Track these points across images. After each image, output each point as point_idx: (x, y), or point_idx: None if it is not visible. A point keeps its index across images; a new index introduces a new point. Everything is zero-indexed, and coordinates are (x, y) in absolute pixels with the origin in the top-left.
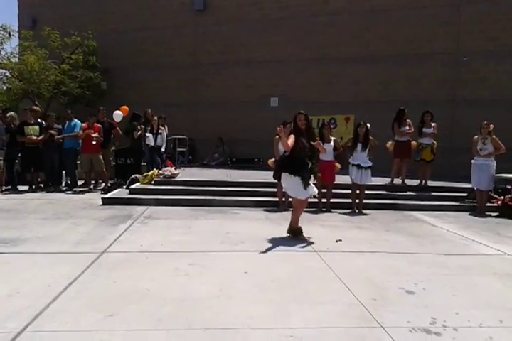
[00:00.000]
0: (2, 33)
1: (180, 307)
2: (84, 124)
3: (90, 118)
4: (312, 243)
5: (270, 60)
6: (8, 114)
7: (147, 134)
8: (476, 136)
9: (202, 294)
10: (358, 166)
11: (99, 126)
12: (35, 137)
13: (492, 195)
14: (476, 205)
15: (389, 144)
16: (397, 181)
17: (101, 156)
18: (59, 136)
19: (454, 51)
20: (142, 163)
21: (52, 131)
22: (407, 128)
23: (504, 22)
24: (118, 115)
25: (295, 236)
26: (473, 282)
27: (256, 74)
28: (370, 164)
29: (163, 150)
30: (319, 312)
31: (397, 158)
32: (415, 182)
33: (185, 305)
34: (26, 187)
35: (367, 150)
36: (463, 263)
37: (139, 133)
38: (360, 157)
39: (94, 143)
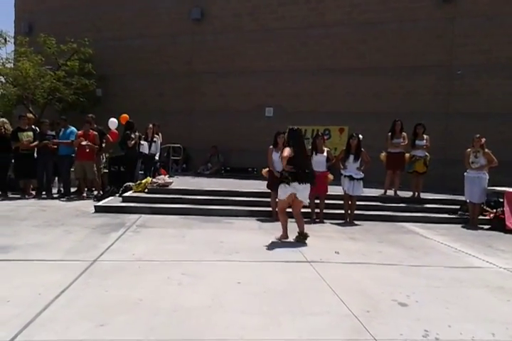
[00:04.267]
0: None
1: (172, 317)
2: (80, 132)
3: (84, 126)
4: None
5: (265, 70)
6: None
7: (142, 142)
8: (469, 149)
9: (194, 304)
10: (350, 177)
11: (95, 133)
12: (27, 141)
13: (484, 207)
14: (468, 218)
15: (382, 155)
16: (390, 193)
17: (94, 164)
18: (54, 141)
19: (448, 64)
20: (140, 172)
21: (47, 142)
22: (401, 140)
23: (497, 36)
24: (113, 122)
25: (305, 240)
26: (466, 295)
27: (251, 84)
28: (361, 175)
29: (157, 158)
30: (312, 323)
31: (389, 169)
32: (408, 194)
33: (177, 315)
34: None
35: (359, 161)
36: (455, 276)
37: (132, 142)
38: (352, 168)
39: (87, 150)
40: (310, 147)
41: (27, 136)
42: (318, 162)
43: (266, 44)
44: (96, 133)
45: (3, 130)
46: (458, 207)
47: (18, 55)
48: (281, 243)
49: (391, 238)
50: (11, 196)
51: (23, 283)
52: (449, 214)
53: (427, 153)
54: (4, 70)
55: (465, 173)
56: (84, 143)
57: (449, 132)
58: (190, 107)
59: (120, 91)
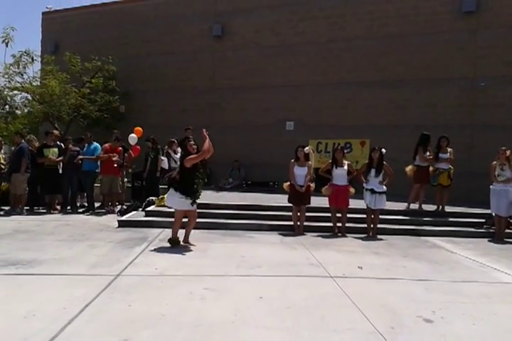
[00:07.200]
0: (26, 57)
1: (195, 332)
2: (106, 145)
3: (115, 142)
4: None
5: (286, 85)
6: (27, 137)
7: (162, 158)
8: (494, 162)
9: (217, 319)
10: (372, 191)
11: (121, 148)
12: (54, 158)
13: (510, 221)
14: (494, 231)
15: (409, 169)
16: (414, 206)
17: (120, 178)
18: (79, 157)
19: (471, 76)
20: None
21: (72, 150)
22: (428, 153)
23: None
24: (133, 138)
25: (173, 245)
26: (493, 311)
27: (272, 99)
28: (383, 189)
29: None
30: (335, 340)
31: (417, 183)
32: (432, 208)
33: (200, 330)
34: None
35: (381, 175)
36: (482, 291)
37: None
38: (374, 182)
39: (115, 165)
40: (330, 160)
41: (52, 152)
42: (339, 175)
43: (286, 59)
44: (121, 148)
45: (30, 147)
46: (483, 220)
47: (44, 73)
48: (301, 257)
49: (415, 252)
50: (36, 211)
51: (48, 297)
52: (475, 228)
53: (450, 166)
54: (31, 88)
55: (491, 186)
56: (115, 158)
57: (474, 144)
58: (211, 122)
59: (143, 107)
